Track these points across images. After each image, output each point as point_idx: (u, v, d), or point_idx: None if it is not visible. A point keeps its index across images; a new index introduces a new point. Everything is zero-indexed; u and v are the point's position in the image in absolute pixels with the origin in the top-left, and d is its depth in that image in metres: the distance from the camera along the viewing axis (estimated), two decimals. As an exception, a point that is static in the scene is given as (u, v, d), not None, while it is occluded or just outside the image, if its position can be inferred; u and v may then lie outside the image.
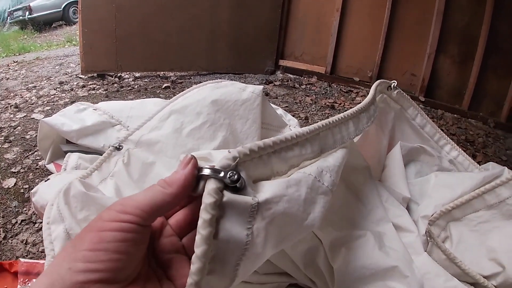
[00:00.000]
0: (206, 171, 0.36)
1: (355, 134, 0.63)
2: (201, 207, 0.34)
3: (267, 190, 0.40)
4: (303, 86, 3.48)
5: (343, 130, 0.59)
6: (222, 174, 0.36)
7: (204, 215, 0.34)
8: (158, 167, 0.94)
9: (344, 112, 0.63)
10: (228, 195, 0.35)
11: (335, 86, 3.52)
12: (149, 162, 0.94)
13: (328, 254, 0.60)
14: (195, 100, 0.98)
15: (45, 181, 1.20)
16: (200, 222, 0.34)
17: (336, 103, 3.04)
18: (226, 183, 0.36)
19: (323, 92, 3.36)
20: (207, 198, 0.34)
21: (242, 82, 1.08)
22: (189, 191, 0.37)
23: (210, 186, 0.35)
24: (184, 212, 0.42)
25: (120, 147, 0.98)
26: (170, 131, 0.97)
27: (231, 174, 0.36)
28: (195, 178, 0.37)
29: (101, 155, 1.23)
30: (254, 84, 1.17)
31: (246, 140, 0.96)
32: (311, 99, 3.08)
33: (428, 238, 0.70)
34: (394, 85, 0.95)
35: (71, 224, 0.68)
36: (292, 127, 1.34)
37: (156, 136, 0.99)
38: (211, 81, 1.06)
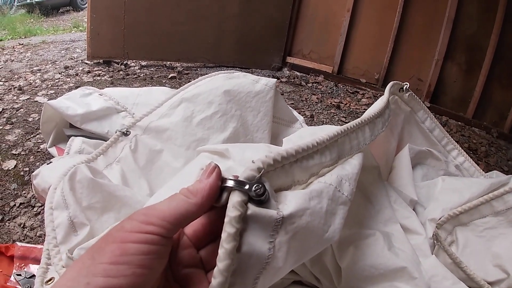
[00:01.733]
0: (230, 183, 0.35)
1: (370, 140, 0.62)
2: (225, 220, 0.33)
3: (291, 202, 0.40)
4: (310, 84, 3.47)
5: (360, 135, 0.59)
6: (247, 186, 0.35)
7: (228, 229, 0.33)
8: (165, 155, 0.94)
9: (361, 117, 0.62)
10: (252, 208, 0.35)
11: (341, 86, 3.52)
12: (157, 150, 0.95)
13: (336, 252, 0.60)
14: (207, 89, 0.98)
15: (47, 164, 1.19)
16: (224, 235, 0.33)
17: (341, 103, 3.03)
18: (251, 195, 0.35)
19: (329, 91, 3.35)
20: (232, 211, 0.33)
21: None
22: (213, 201, 0.36)
23: (235, 198, 0.34)
24: (202, 221, 0.39)
25: (128, 132, 0.97)
26: (180, 119, 0.96)
27: (256, 187, 0.35)
28: (219, 189, 0.36)
29: (105, 140, 1.23)
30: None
31: (256, 133, 0.96)
32: (317, 98, 3.07)
33: (435, 242, 0.70)
34: (406, 87, 0.95)
35: (76, 212, 0.68)
36: (299, 123, 1.34)
37: (165, 124, 0.98)
38: (223, 71, 1.05)
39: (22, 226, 1.30)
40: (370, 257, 0.56)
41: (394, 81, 0.92)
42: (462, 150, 1.09)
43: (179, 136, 0.94)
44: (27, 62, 3.59)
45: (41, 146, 1.79)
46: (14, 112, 2.20)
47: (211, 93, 0.96)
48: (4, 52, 4.14)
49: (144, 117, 1.01)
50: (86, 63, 3.45)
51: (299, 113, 2.32)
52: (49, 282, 0.67)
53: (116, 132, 0.98)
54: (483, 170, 1.06)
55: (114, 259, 0.30)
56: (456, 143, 1.09)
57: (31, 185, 1.50)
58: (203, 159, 0.75)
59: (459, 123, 3.09)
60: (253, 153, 0.53)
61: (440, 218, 0.73)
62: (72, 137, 1.21)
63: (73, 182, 0.70)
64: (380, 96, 0.83)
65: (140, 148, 0.94)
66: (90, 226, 0.68)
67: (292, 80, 3.52)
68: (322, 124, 2.48)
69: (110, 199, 0.70)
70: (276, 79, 1.02)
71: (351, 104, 3.04)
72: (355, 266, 0.56)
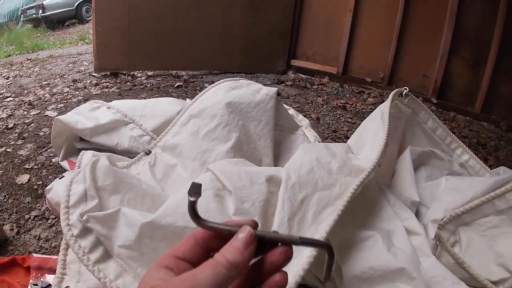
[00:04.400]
0: None
1: None
2: None
3: None
4: (315, 87, 3.48)
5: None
6: None
7: None
8: (179, 169, 1.02)
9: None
10: None
11: (347, 86, 3.52)
12: (172, 164, 1.04)
13: (337, 255, 0.61)
14: (211, 103, 1.02)
15: (60, 178, 1.24)
16: None
17: (348, 103, 3.03)
18: None
19: (335, 92, 3.36)
20: None
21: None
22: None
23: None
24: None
25: (150, 152, 1.13)
26: (188, 134, 1.03)
27: None
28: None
29: (115, 153, 1.27)
30: (266, 84, 1.18)
31: (259, 141, 0.98)
32: (322, 100, 3.07)
33: (438, 242, 0.71)
34: (405, 92, 0.97)
35: (90, 187, 0.83)
36: (304, 127, 1.35)
37: (177, 140, 1.06)
38: (228, 79, 1.10)
39: (37, 237, 1.32)
40: (369, 259, 0.58)
41: (395, 90, 0.94)
42: (467, 148, 1.10)
43: (187, 149, 1.03)
44: (36, 77, 3.64)
45: (53, 160, 1.81)
46: (25, 127, 2.24)
47: (214, 107, 1.00)
48: (13, 68, 4.21)
49: (163, 137, 1.15)
50: (94, 76, 3.50)
51: (304, 116, 2.31)
52: (65, 291, 0.72)
53: (140, 153, 1.16)
54: (492, 165, 1.06)
55: None
56: (460, 141, 1.10)
57: (44, 198, 1.52)
58: (208, 180, 0.83)
59: (467, 118, 3.07)
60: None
61: (442, 219, 0.74)
62: (83, 151, 1.25)
63: (95, 167, 0.86)
64: (386, 95, 0.85)
65: (158, 163, 1.07)
66: (99, 202, 0.82)
67: (297, 83, 3.52)
68: (328, 126, 2.48)
69: (119, 184, 0.85)
70: (276, 88, 1.04)
71: (357, 104, 3.03)
72: (356, 268, 0.57)
